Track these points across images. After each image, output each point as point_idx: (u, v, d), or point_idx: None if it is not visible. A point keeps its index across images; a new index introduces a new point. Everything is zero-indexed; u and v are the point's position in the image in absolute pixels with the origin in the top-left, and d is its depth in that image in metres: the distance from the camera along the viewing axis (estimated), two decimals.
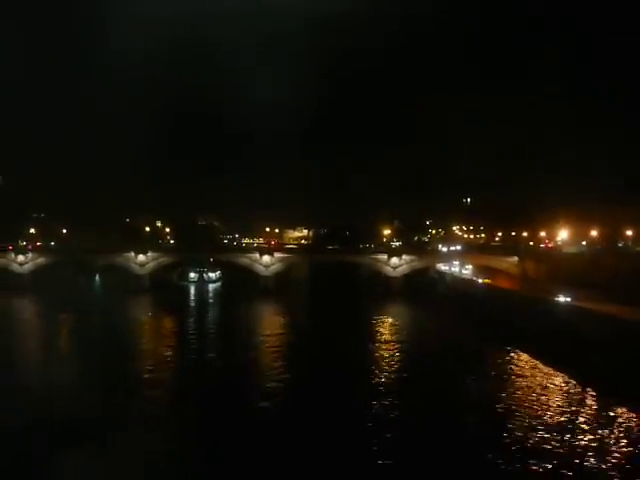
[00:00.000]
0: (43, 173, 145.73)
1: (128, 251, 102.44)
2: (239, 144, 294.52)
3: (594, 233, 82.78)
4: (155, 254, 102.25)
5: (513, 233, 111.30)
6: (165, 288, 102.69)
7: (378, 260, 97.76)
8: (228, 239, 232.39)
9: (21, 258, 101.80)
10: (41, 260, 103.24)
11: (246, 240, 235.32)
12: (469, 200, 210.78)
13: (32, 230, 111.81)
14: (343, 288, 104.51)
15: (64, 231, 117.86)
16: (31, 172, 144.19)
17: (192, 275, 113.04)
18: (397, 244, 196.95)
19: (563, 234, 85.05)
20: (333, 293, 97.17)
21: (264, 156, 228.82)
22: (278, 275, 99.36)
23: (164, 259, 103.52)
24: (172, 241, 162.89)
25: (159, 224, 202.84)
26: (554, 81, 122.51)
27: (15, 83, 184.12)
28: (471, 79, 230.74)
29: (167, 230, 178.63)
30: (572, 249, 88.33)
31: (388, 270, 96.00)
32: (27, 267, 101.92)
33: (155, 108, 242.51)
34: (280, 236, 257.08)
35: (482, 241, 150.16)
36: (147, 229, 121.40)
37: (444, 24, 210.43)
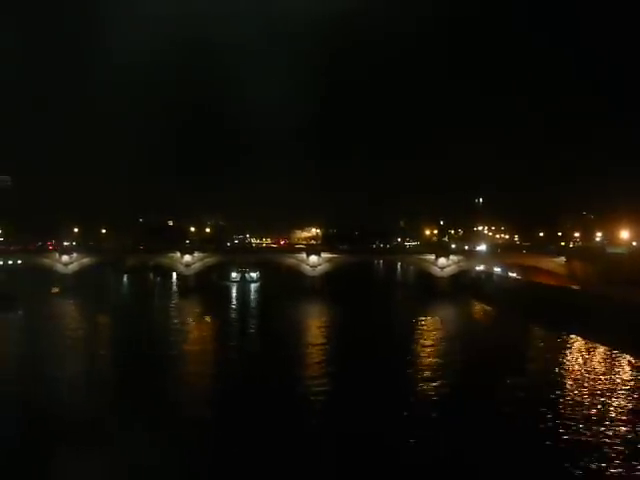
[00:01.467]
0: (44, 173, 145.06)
1: (174, 251, 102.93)
2: (239, 144, 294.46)
3: None
4: (201, 254, 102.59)
5: (559, 233, 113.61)
6: (211, 288, 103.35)
7: (425, 260, 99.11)
8: (239, 239, 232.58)
9: (66, 258, 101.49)
10: (86, 260, 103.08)
11: (255, 240, 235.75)
12: (481, 200, 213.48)
13: (75, 229, 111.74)
14: (392, 286, 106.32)
15: (103, 231, 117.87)
16: (37, 173, 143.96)
17: (234, 275, 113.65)
18: (413, 244, 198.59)
19: (624, 234, 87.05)
20: (385, 292, 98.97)
21: (264, 156, 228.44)
22: (324, 275, 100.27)
23: (210, 259, 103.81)
24: (187, 241, 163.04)
25: (171, 224, 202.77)
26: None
27: (15, 83, 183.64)
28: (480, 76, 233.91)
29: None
30: (618, 249, 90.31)
31: (435, 270, 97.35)
32: (72, 267, 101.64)
33: (154, 109, 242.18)
34: (288, 236, 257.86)
35: (502, 241, 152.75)
36: (192, 229, 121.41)
37: (445, 24, 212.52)
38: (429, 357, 50.59)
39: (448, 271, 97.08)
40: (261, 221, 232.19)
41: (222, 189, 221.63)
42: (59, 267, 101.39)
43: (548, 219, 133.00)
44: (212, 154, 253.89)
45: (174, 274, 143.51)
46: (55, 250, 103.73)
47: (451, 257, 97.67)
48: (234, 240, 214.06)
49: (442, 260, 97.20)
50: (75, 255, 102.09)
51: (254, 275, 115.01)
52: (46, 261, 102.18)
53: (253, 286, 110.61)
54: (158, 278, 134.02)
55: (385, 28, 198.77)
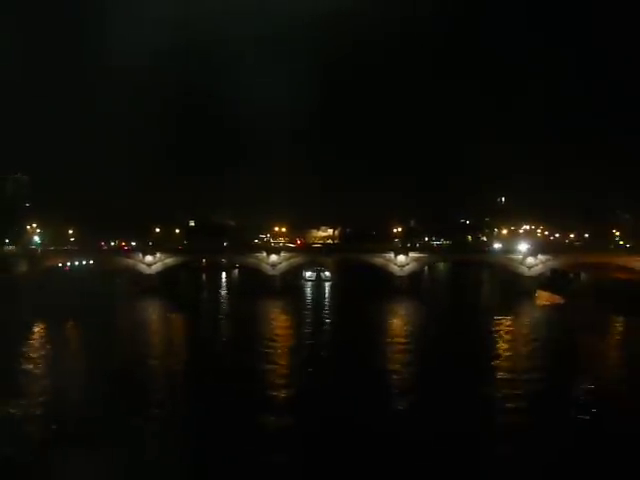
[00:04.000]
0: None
1: (259, 251, 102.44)
2: (238, 144, 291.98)
3: None
4: (287, 254, 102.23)
5: None
6: (293, 288, 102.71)
7: (512, 260, 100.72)
8: (259, 239, 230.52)
9: (149, 259, 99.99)
10: (169, 261, 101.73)
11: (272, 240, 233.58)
12: (503, 200, 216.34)
13: (157, 230, 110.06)
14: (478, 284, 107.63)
15: (177, 231, 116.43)
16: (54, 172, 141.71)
17: (309, 274, 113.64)
18: (437, 243, 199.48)
19: None
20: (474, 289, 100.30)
21: (264, 156, 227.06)
22: (411, 275, 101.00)
23: (296, 259, 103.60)
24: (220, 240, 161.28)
25: (192, 224, 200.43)
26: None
27: (15, 84, 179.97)
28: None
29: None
30: None
31: (523, 270, 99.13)
32: (155, 268, 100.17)
33: (154, 109, 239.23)
34: (304, 236, 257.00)
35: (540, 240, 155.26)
36: (276, 229, 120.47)
37: (443, 24, 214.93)
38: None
39: (536, 270, 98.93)
40: (269, 221, 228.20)
41: (222, 189, 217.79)
42: (142, 267, 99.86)
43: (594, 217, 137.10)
44: (211, 155, 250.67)
45: (223, 273, 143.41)
46: (137, 251, 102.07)
47: (539, 256, 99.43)
48: (254, 240, 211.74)
49: (530, 259, 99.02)
50: (158, 255, 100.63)
51: (328, 274, 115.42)
52: (129, 262, 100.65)
53: (327, 285, 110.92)
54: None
55: (385, 28, 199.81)
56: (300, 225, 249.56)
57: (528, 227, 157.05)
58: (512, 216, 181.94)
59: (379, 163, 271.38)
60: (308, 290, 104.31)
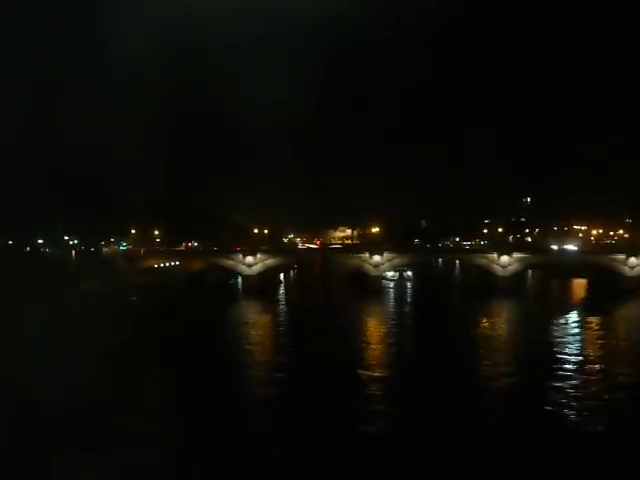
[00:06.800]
0: None
1: (362, 252, 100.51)
2: (238, 144, 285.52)
3: None
4: (390, 255, 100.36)
5: None
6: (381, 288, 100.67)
7: (615, 260, 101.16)
8: (289, 239, 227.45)
9: (250, 259, 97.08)
10: (270, 261, 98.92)
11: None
12: (529, 200, 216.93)
13: (255, 230, 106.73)
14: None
15: (265, 231, 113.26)
16: None
17: (391, 274, 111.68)
18: (468, 244, 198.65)
19: None
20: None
21: (264, 156, 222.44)
22: (515, 275, 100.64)
23: (398, 260, 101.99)
24: None
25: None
26: None
27: (13, 84, 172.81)
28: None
29: None
30: None
31: (625, 270, 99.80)
32: (256, 268, 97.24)
33: (152, 109, 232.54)
34: (322, 236, 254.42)
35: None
36: (377, 229, 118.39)
37: (441, 23, 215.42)
38: None
39: (637, 270, 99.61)
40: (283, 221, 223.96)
41: (222, 189, 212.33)
42: (242, 268, 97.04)
43: None
44: (211, 156, 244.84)
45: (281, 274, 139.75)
46: (238, 252, 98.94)
47: None
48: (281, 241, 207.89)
49: (632, 259, 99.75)
50: (259, 256, 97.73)
51: (410, 274, 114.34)
52: (229, 262, 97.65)
53: (409, 284, 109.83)
54: None
55: (384, 29, 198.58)
56: (318, 226, 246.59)
57: (582, 227, 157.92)
58: (544, 216, 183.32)
59: (383, 163, 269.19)
60: (405, 290, 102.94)
